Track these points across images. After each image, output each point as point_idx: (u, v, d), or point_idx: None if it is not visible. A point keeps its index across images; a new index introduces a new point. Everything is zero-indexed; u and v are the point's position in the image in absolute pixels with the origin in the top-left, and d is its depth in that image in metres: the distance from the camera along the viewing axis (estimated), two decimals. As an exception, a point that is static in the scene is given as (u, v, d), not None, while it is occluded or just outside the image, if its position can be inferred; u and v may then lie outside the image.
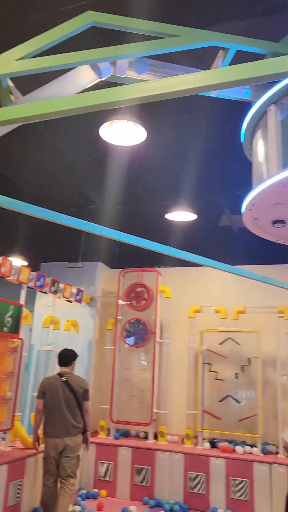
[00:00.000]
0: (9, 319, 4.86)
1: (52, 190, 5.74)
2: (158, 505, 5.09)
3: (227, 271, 3.71)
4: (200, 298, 6.50)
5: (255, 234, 2.83)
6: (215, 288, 6.60)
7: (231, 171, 5.64)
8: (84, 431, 4.50)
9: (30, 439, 4.85)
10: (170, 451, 5.39)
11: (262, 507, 4.91)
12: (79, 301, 6.49)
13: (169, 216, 5.80)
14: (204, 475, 5.16)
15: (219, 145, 4.40)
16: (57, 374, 4.62)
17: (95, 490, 5.42)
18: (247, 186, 2.63)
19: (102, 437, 5.89)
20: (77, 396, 4.46)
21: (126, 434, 6.13)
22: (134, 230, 5.27)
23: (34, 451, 4.65)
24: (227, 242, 6.22)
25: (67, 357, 4.69)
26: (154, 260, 6.89)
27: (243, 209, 2.49)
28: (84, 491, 5.37)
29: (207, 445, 5.56)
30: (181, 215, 5.73)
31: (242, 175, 3.03)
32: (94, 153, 4.97)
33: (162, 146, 4.59)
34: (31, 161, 5.21)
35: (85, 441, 4.52)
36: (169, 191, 6.01)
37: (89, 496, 5.26)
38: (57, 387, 4.44)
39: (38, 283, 5.46)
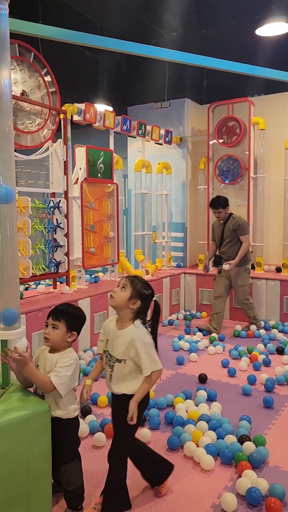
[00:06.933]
0: (101, 165, 5.07)
1: (124, 22, 5.27)
2: (256, 323, 5.61)
3: None
4: (299, 126, 5.96)
5: None
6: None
7: None
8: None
9: (135, 271, 5.55)
10: (267, 279, 5.67)
11: None
12: (168, 142, 6.40)
13: (260, 31, 5.04)
14: (300, 299, 5.44)
15: None
16: None
17: (198, 312, 6.11)
18: None
19: (200, 269, 6.34)
20: (231, 231, 5.17)
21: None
22: (222, 55, 4.80)
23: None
24: None
25: (219, 203, 5.19)
26: (245, 90, 6.29)
27: None
28: (188, 312, 6.11)
29: (304, 272, 5.71)
30: (273, 28, 4.94)
31: None
32: None
33: None
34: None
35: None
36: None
37: (193, 316, 5.97)
38: (218, 226, 5.32)
39: (124, 127, 5.44)
